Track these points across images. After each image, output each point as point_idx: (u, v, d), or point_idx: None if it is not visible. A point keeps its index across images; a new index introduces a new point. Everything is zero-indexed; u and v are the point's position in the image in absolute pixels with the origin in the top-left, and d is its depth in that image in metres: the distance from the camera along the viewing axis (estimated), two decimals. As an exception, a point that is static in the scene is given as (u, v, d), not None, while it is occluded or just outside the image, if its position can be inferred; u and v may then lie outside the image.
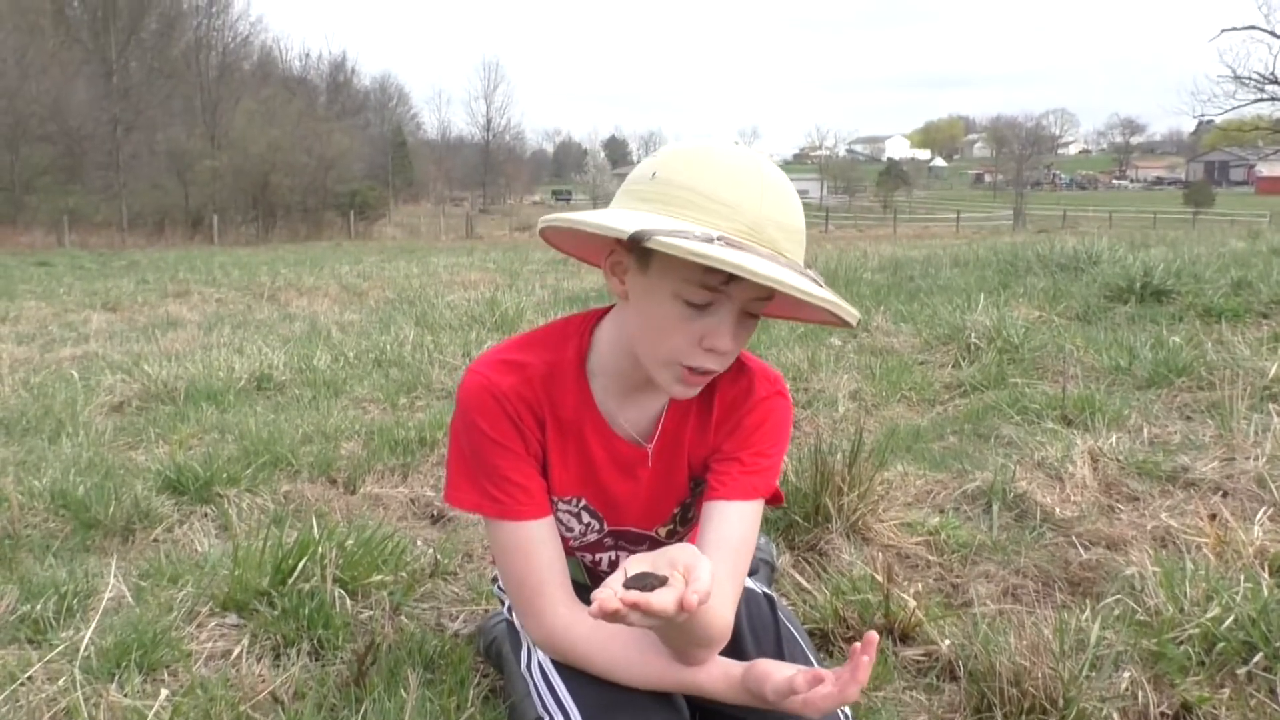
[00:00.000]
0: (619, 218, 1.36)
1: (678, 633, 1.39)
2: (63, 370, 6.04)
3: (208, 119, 46.74)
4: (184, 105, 48.02)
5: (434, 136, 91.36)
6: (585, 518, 1.68)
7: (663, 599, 1.15)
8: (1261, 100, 38.63)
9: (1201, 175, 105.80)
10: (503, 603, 1.88)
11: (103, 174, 42.81)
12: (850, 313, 1.39)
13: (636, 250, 1.40)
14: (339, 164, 48.83)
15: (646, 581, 1.20)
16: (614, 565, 1.77)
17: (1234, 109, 39.97)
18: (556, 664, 1.60)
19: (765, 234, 1.34)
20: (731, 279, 1.34)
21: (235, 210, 44.20)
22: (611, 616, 1.14)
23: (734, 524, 1.55)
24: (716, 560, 1.46)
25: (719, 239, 1.30)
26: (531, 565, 1.56)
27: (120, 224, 40.10)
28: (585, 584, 1.81)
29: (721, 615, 1.45)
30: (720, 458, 1.61)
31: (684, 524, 1.75)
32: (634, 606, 1.14)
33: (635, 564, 1.25)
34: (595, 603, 1.13)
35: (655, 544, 1.74)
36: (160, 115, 46.00)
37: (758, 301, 1.41)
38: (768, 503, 1.64)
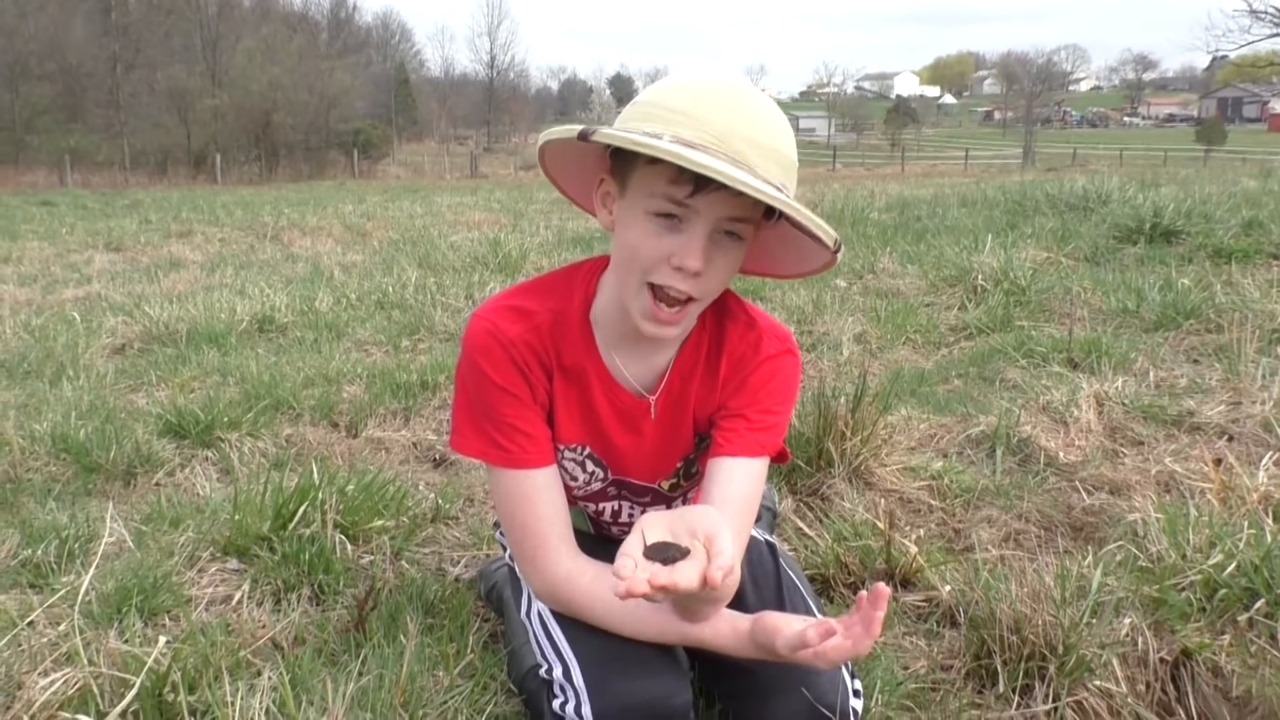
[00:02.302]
0: (593, 126, 1.36)
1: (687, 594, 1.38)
2: (64, 312, 6.03)
3: (208, 57, 46.20)
4: (183, 43, 47.42)
5: (437, 74, 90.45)
6: (589, 466, 1.67)
7: (688, 577, 1.14)
8: (1277, 35, 38.00)
9: (1214, 112, 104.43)
10: (504, 548, 1.88)
11: (104, 113, 42.47)
12: (826, 231, 1.34)
13: (617, 174, 1.42)
14: (341, 102, 48.41)
15: (668, 553, 1.18)
16: (616, 515, 1.77)
17: (1249, 44, 39.40)
18: (556, 613, 1.59)
19: (732, 145, 1.31)
20: (697, 192, 1.33)
21: (238, 149, 43.88)
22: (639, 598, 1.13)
23: (739, 481, 1.54)
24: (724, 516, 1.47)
25: (671, 138, 1.29)
26: (535, 514, 1.55)
27: (123, 163, 39.90)
28: (589, 532, 1.81)
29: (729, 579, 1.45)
30: (726, 414, 1.59)
31: (687, 478, 1.73)
32: (661, 589, 1.13)
33: (651, 527, 1.23)
34: (622, 585, 1.11)
35: (658, 496, 1.73)
36: (160, 53, 45.47)
37: (733, 222, 1.38)
38: (773, 460, 1.62)
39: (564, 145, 1.42)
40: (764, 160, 1.33)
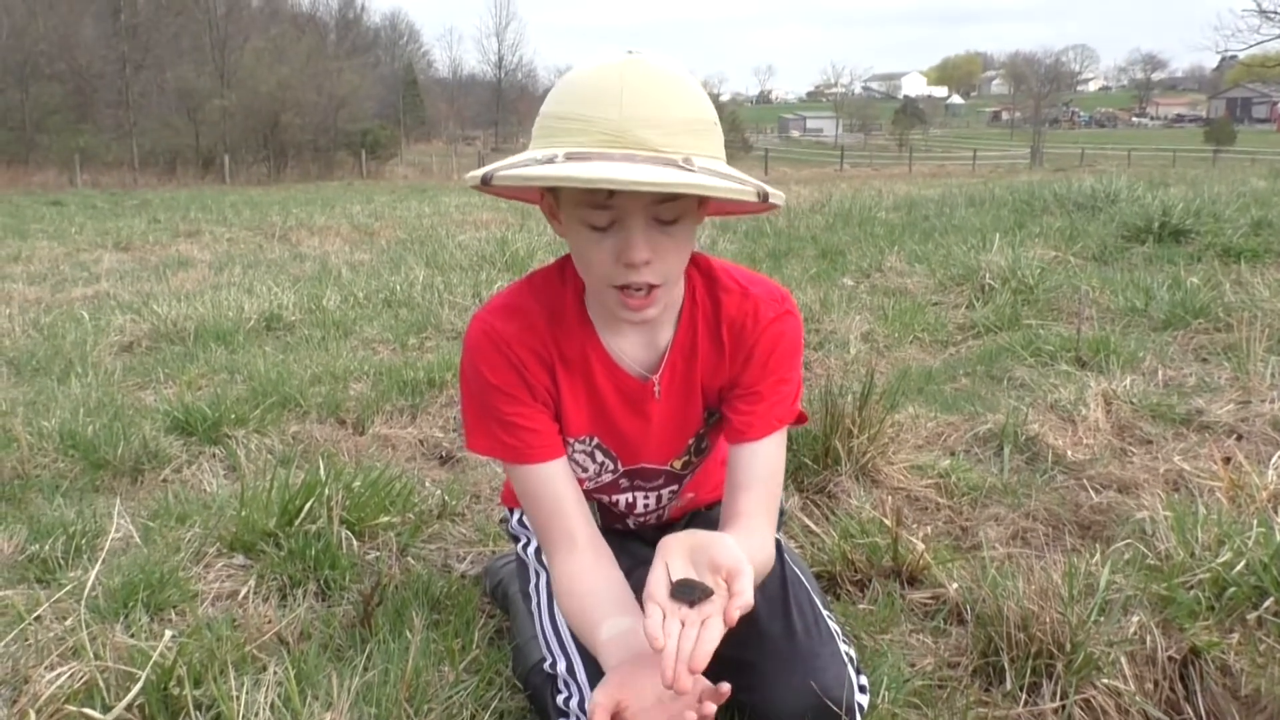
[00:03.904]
0: (494, 164, 1.35)
1: None
2: (73, 310, 6.04)
3: (216, 57, 46.21)
4: (192, 43, 47.48)
5: (445, 75, 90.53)
6: (599, 456, 1.68)
7: (713, 636, 1.20)
8: (1287, 35, 37.84)
9: (1223, 112, 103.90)
10: (517, 540, 1.88)
11: (113, 113, 42.55)
12: (743, 191, 1.30)
13: (552, 191, 1.42)
14: (350, 103, 48.40)
15: (693, 594, 1.23)
16: (631, 507, 1.78)
17: (1258, 44, 39.24)
18: None
19: (633, 136, 1.28)
20: (614, 193, 1.32)
21: (246, 150, 43.94)
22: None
23: (763, 460, 1.56)
24: (752, 498, 1.52)
25: (565, 155, 1.27)
26: (543, 509, 1.57)
27: (132, 163, 39.94)
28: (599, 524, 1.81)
29: (763, 549, 1.50)
30: (740, 394, 1.59)
31: (698, 454, 1.74)
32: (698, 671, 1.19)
33: (674, 555, 1.28)
34: (668, 672, 1.18)
35: (671, 477, 1.74)
36: (169, 53, 45.54)
37: (665, 205, 1.35)
38: (792, 424, 1.64)
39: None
40: (670, 137, 1.30)
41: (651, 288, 1.40)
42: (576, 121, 1.31)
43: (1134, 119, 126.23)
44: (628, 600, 1.45)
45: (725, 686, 1.24)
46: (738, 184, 1.30)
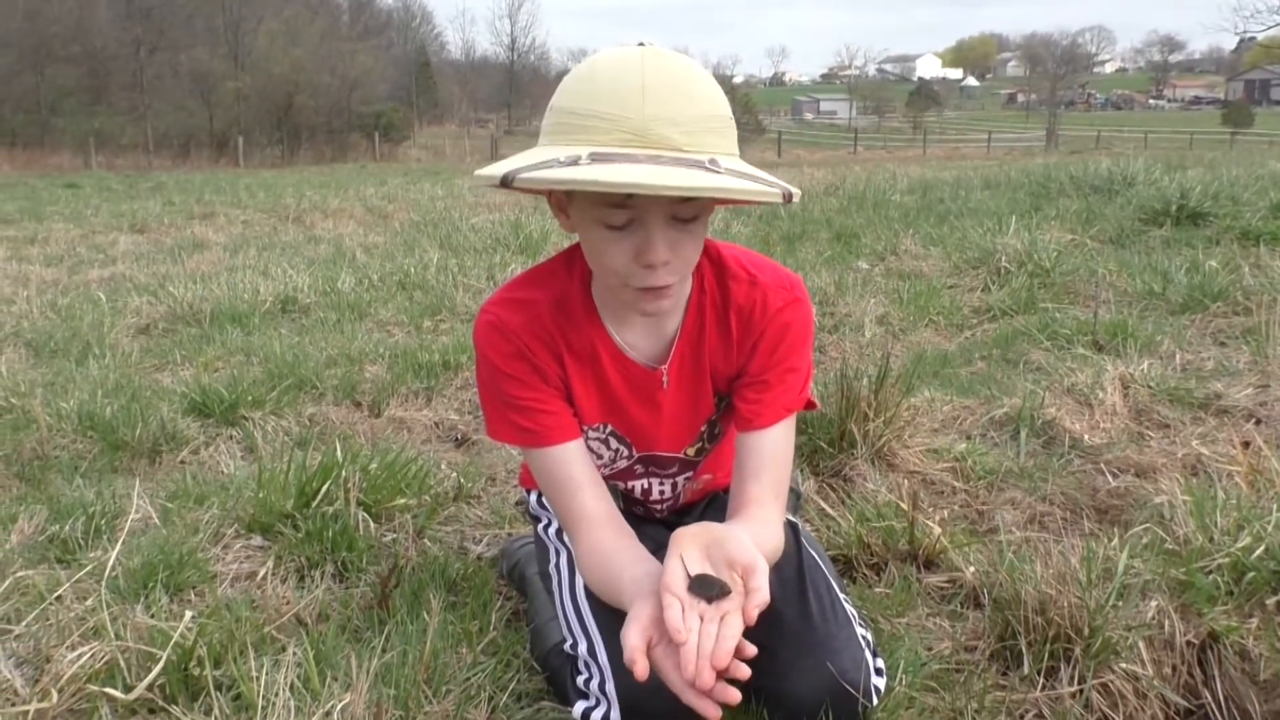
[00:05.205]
0: (512, 161, 1.32)
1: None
2: (90, 292, 6.07)
3: (230, 39, 46.26)
4: (206, 25, 47.52)
5: (458, 57, 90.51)
6: (613, 444, 1.68)
7: (733, 633, 1.22)
8: (1307, 16, 37.44)
9: (1241, 94, 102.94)
10: (537, 520, 1.88)
11: (127, 95, 42.67)
12: (768, 193, 1.29)
13: None
14: (363, 85, 48.42)
15: (711, 590, 1.25)
16: (646, 494, 1.79)
17: (1277, 25, 38.81)
18: (586, 591, 1.60)
19: (655, 134, 1.26)
20: (634, 193, 1.29)
21: (260, 132, 43.99)
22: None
23: (771, 447, 1.57)
24: (761, 486, 1.53)
25: (589, 156, 1.25)
26: (561, 487, 1.57)
27: (146, 146, 40.07)
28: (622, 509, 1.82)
29: (774, 538, 1.50)
30: (749, 382, 1.59)
31: (712, 440, 1.74)
32: (722, 669, 1.21)
33: (689, 550, 1.29)
34: (689, 667, 1.20)
35: (685, 464, 1.75)
36: (183, 35, 45.61)
37: (683, 205, 1.35)
38: (801, 410, 1.64)
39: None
40: (693, 135, 1.28)
41: (668, 285, 1.40)
42: (599, 120, 1.29)
43: (1151, 101, 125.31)
44: (651, 559, 1.46)
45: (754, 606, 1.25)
46: (765, 186, 1.29)
